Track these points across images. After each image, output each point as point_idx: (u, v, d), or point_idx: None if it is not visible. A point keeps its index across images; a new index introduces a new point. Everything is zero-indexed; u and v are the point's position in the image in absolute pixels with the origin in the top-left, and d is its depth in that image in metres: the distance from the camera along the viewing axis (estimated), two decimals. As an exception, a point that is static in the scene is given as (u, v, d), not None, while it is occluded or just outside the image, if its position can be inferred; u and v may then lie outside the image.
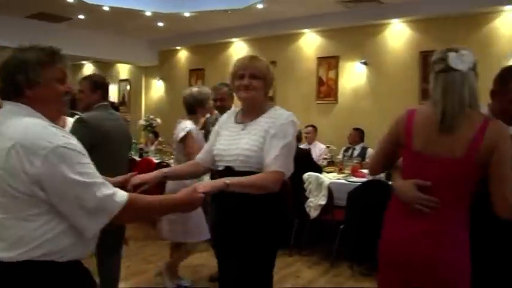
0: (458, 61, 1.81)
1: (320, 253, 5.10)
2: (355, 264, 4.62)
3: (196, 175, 2.55)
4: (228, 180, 2.01)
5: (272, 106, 2.32)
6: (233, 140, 2.27)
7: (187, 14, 8.07)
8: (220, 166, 2.28)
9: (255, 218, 2.18)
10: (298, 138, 5.45)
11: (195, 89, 3.92)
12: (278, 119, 2.22)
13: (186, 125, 3.69)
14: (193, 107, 3.84)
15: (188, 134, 3.64)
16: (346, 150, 6.67)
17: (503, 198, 1.75)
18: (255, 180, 2.07)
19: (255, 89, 2.25)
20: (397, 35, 7.44)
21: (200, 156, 2.45)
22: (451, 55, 1.83)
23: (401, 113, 2.01)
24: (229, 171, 2.20)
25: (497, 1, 6.47)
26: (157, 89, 11.41)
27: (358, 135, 6.77)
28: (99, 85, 3.18)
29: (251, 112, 2.31)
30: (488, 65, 6.25)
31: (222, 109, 3.81)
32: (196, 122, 3.85)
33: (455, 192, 1.84)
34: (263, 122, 2.24)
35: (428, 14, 7.00)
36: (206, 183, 2.03)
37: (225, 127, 2.37)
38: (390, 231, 2.00)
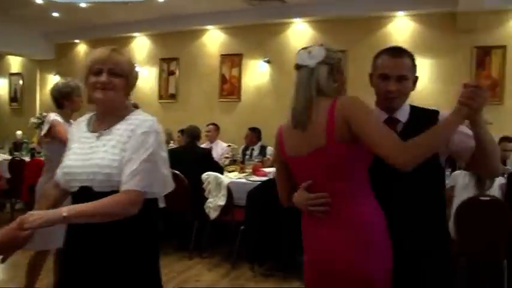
0: (306, 57, 1.80)
1: (221, 255, 4.98)
2: (256, 265, 4.56)
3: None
4: (65, 211, 1.63)
5: (133, 110, 1.87)
6: (86, 153, 1.81)
7: (83, 5, 7.58)
8: (74, 187, 1.79)
9: (108, 256, 1.77)
10: (198, 137, 5.31)
11: (61, 82, 3.58)
12: (139, 127, 1.78)
13: (50, 117, 3.37)
14: (59, 101, 3.51)
15: (53, 123, 3.33)
16: (245, 150, 6.60)
17: (389, 149, 1.62)
18: (98, 207, 1.67)
19: (114, 89, 1.78)
20: (300, 35, 7.55)
21: (57, 175, 1.91)
22: (300, 53, 1.84)
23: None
24: (86, 192, 1.76)
25: (391, 7, 6.84)
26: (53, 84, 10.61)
27: (255, 135, 6.70)
28: None
29: (108, 117, 1.84)
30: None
31: None
32: (65, 117, 3.49)
33: (344, 181, 1.74)
34: (122, 130, 1.80)
35: (328, 16, 7.19)
36: (37, 215, 1.62)
37: (76, 138, 1.89)
38: (307, 248, 1.90)
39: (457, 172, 4.13)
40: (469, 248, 3.73)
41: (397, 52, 1.89)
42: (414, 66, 1.91)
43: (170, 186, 1.93)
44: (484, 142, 1.72)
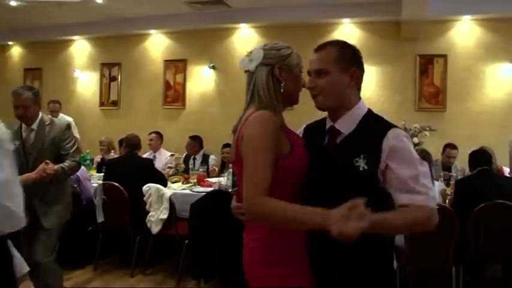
0: (247, 61, 1.70)
1: (165, 271, 4.73)
2: (202, 282, 4.33)
3: None
4: None
5: None
6: None
7: (13, 3, 7.06)
8: None
9: None
10: (138, 146, 5.01)
11: None
12: None
13: None
14: None
15: None
16: (187, 159, 6.31)
17: (245, 198, 1.52)
18: None
19: None
20: (245, 40, 7.42)
21: None
22: (242, 57, 1.74)
23: None
24: None
25: (337, 14, 6.88)
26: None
27: (197, 143, 6.41)
28: None
29: None
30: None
31: (26, 119, 3.31)
32: None
33: None
34: None
35: (274, 21, 7.11)
36: None
37: None
38: None
39: None
40: (418, 257, 3.69)
41: (321, 45, 1.69)
42: (345, 58, 1.64)
43: (14, 222, 1.52)
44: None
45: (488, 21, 6.54)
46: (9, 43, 9.37)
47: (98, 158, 6.47)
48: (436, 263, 3.74)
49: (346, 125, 1.65)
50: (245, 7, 6.99)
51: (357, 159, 1.56)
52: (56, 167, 3.18)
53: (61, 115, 7.10)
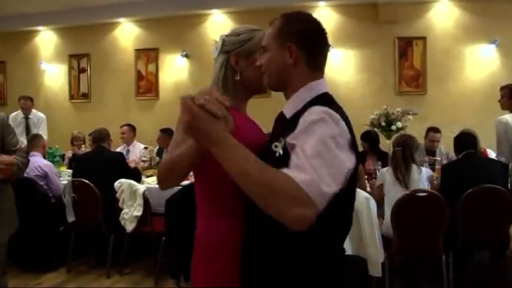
0: (214, 50, 1.66)
1: (143, 270, 4.51)
2: (182, 280, 4.11)
3: None
4: None
5: None
6: None
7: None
8: None
9: None
10: (106, 140, 4.74)
11: None
12: None
13: None
14: None
15: None
16: (159, 152, 6.03)
17: None
18: None
19: None
20: (219, 27, 7.17)
21: None
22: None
23: None
24: None
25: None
26: None
27: (168, 136, 6.09)
28: None
29: None
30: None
31: None
32: None
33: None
34: None
35: (248, 6, 6.90)
36: None
37: None
38: None
39: (384, 169, 3.97)
40: (407, 247, 3.56)
41: (272, 19, 1.48)
42: (286, 32, 1.40)
43: None
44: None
45: (467, 2, 6.44)
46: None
47: (69, 154, 6.16)
48: (426, 251, 3.63)
49: (289, 108, 1.43)
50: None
51: (276, 143, 1.33)
52: (11, 158, 2.68)
53: (34, 111, 6.80)
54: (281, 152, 1.29)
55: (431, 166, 4.58)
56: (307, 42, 1.40)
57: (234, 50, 1.59)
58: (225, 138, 1.17)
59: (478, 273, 4.28)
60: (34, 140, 4.92)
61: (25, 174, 4.36)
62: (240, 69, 1.58)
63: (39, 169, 4.50)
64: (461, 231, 3.55)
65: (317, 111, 1.25)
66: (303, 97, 1.40)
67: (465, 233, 3.55)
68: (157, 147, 6.19)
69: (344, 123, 1.25)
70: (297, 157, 1.15)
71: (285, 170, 1.13)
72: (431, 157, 4.88)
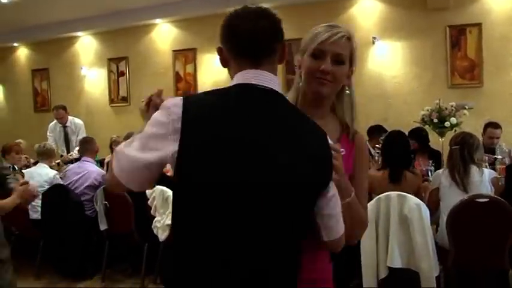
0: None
1: (177, 280, 4.31)
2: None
3: None
4: None
5: None
6: None
7: (4, 0, 6.69)
8: None
9: None
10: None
11: None
12: None
13: None
14: None
15: None
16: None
17: None
18: None
19: None
20: (256, 23, 6.91)
21: None
22: None
23: None
24: None
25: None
26: None
27: None
28: None
29: None
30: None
31: None
32: None
33: None
34: None
35: (287, 1, 6.58)
36: None
37: None
38: None
39: (439, 171, 3.57)
40: (466, 259, 3.16)
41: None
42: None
43: None
44: None
45: (528, -19, 5.85)
46: (15, 44, 9.14)
47: (108, 158, 6.08)
48: (488, 264, 3.20)
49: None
50: (254, -13, 6.47)
51: None
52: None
53: (70, 119, 6.79)
54: None
55: (492, 166, 4.12)
56: (224, 42, 1.39)
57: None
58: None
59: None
60: (85, 145, 4.89)
61: (76, 185, 4.41)
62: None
63: (97, 178, 4.53)
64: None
65: None
66: None
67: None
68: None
69: None
70: None
71: None
72: (491, 155, 4.40)
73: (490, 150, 4.65)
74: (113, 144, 6.21)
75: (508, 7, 5.90)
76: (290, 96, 1.48)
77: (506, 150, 4.49)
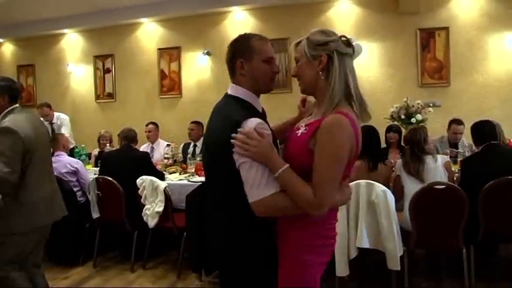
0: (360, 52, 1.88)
1: (166, 265, 4.61)
2: (203, 275, 4.17)
3: None
4: None
5: None
6: None
7: (-5, -2, 6.85)
8: None
9: None
10: (134, 140, 4.86)
11: None
12: None
13: None
14: None
15: None
16: (186, 148, 6.15)
17: None
18: None
19: None
20: (240, 24, 7.20)
21: None
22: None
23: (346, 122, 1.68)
24: None
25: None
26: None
27: (201, 128, 6.16)
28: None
29: None
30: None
31: None
32: None
33: None
34: None
35: (269, 2, 6.88)
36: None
37: None
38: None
39: (400, 161, 3.90)
40: (427, 240, 3.53)
41: None
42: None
43: None
44: None
45: (492, -11, 6.26)
46: (1, 40, 9.16)
47: (95, 152, 6.32)
48: (445, 245, 3.57)
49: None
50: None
51: None
52: None
53: (56, 115, 6.92)
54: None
55: (454, 159, 4.51)
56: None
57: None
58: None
59: (503, 267, 4.20)
60: (53, 141, 5.05)
61: (55, 172, 4.60)
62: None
63: (69, 166, 4.69)
64: (482, 224, 3.48)
65: None
66: None
67: (487, 226, 3.48)
68: (183, 143, 6.28)
69: None
70: None
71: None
72: (453, 150, 4.80)
73: (454, 145, 5.06)
74: (100, 139, 6.45)
75: (473, 14, 6.32)
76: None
77: (467, 145, 4.89)
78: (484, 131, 3.77)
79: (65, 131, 6.66)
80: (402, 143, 4.82)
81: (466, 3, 6.36)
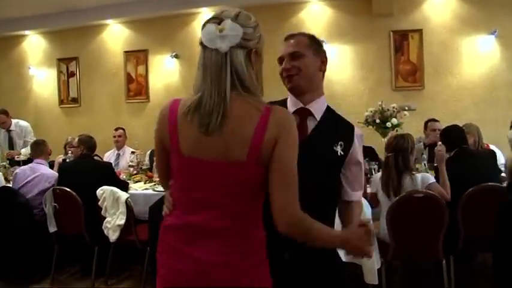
0: (216, 37, 1.38)
1: (129, 280, 4.33)
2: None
3: None
4: None
5: None
6: None
7: None
8: None
9: None
10: (93, 148, 4.57)
11: None
12: None
13: None
14: None
15: None
16: (152, 155, 5.88)
17: (279, 209, 1.36)
18: None
19: None
20: (209, 26, 6.97)
21: None
22: (208, 29, 1.41)
23: (163, 105, 1.48)
24: None
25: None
26: None
27: None
28: None
29: None
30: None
31: None
32: None
33: (248, 202, 1.43)
34: None
35: (237, 3, 6.64)
36: None
37: None
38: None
39: (377, 176, 3.63)
40: (405, 251, 3.35)
41: (290, 35, 1.83)
42: (315, 45, 1.80)
43: None
44: None
45: (464, -8, 6.22)
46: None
47: (59, 159, 5.93)
48: (425, 256, 3.41)
49: (318, 109, 1.78)
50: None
51: (335, 144, 1.72)
52: None
53: (14, 122, 6.55)
54: (341, 152, 1.73)
55: (431, 164, 4.34)
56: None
57: (255, 46, 1.43)
58: None
59: (482, 275, 4.07)
60: (40, 147, 4.77)
61: (28, 188, 4.33)
62: (256, 68, 1.44)
63: (47, 184, 4.40)
64: (462, 232, 3.36)
65: (361, 135, 1.83)
66: (323, 103, 1.82)
67: (466, 234, 3.36)
68: (149, 151, 6.00)
69: None
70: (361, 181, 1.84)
71: (358, 195, 1.84)
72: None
73: (434, 145, 4.89)
74: (67, 146, 6.09)
75: (446, 16, 6.27)
76: None
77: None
78: (454, 136, 3.76)
79: (32, 139, 6.37)
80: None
81: (438, 6, 6.30)
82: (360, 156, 1.78)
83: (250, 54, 1.40)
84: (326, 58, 1.82)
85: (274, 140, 1.34)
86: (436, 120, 5.05)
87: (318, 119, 1.77)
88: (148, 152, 5.92)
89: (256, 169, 1.36)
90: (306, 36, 1.80)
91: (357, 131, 1.80)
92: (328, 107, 1.82)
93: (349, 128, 1.79)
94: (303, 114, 1.76)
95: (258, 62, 1.45)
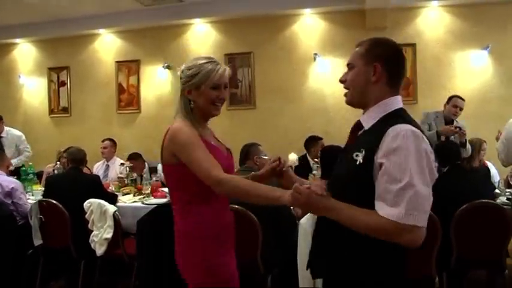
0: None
1: (117, 295, 4.23)
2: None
3: None
4: None
5: None
6: None
7: None
8: None
9: None
10: (83, 162, 4.48)
11: None
12: None
13: None
14: None
15: None
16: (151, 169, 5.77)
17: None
18: None
19: None
20: (201, 37, 6.97)
21: None
22: None
23: None
24: None
25: (297, 4, 6.49)
26: None
27: (141, 161, 5.71)
28: None
29: None
30: (294, 65, 6.34)
31: None
32: None
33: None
34: None
35: (230, 15, 6.65)
36: None
37: None
38: None
39: None
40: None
41: (359, 42, 1.71)
42: (371, 52, 1.62)
43: None
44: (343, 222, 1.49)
45: (457, 7, 6.25)
46: None
47: (49, 169, 5.81)
48: (417, 272, 3.34)
49: (368, 119, 1.64)
50: (198, 1, 6.52)
51: (357, 153, 1.55)
52: None
53: (7, 129, 6.44)
54: (361, 160, 1.52)
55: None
56: (393, 63, 1.62)
57: (186, 84, 1.98)
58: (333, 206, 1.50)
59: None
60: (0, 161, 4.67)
61: None
62: (192, 99, 1.97)
63: (1, 187, 4.23)
64: (455, 250, 3.31)
65: (402, 134, 1.45)
66: (380, 111, 1.60)
67: (459, 252, 3.32)
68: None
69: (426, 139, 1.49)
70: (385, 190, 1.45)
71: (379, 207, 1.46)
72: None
73: (451, 121, 5.09)
74: (61, 158, 5.96)
75: (439, 31, 6.29)
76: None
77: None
78: (448, 151, 3.73)
79: (26, 148, 6.33)
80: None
81: (432, 21, 6.34)
82: (392, 161, 1.46)
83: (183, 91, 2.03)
84: (386, 64, 1.60)
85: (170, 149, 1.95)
86: (462, 99, 5.12)
87: (366, 128, 1.62)
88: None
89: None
90: (368, 43, 1.66)
91: (392, 131, 1.47)
92: (391, 113, 1.59)
93: (382, 131, 1.50)
94: (355, 125, 1.72)
95: (192, 94, 1.99)
